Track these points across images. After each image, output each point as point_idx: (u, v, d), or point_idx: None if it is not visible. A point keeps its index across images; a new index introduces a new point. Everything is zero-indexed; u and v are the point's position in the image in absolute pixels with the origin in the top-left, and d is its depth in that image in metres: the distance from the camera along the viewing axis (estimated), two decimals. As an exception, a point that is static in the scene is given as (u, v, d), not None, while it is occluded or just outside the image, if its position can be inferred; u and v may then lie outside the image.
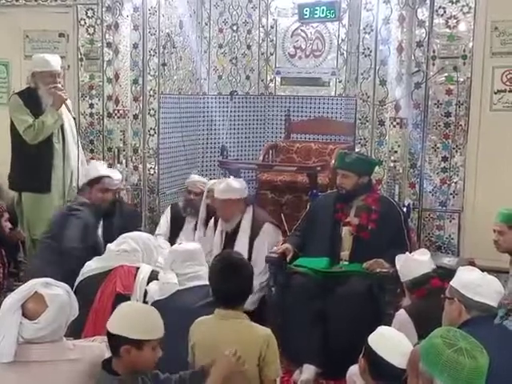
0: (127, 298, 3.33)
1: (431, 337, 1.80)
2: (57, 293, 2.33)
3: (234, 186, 4.36)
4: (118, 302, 3.22)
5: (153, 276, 3.54)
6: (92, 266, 3.67)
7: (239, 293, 2.70)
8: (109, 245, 3.75)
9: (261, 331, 2.69)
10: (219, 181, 4.48)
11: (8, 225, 4.14)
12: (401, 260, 3.42)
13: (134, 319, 2.37)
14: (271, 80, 6.57)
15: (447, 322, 2.53)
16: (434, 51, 4.92)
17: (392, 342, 2.44)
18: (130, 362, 2.33)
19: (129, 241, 3.71)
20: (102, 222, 5.00)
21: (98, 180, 4.16)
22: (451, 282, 2.60)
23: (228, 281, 2.69)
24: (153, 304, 3.14)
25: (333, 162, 5.35)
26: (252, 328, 2.72)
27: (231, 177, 4.77)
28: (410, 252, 3.59)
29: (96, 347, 2.49)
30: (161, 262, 4.81)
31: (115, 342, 2.33)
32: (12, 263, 4.30)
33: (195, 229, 4.82)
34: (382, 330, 2.54)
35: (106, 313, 3.25)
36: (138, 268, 3.56)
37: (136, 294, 3.42)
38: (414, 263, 3.34)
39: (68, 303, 2.36)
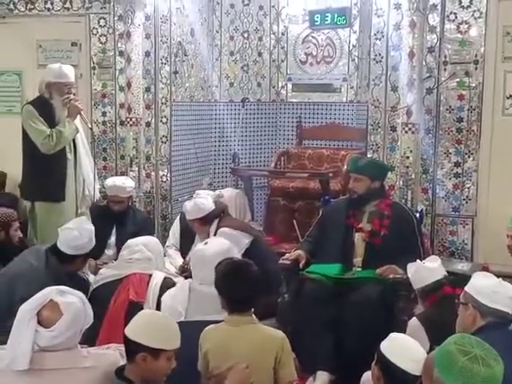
0: (140, 306, 3.34)
1: (445, 344, 1.79)
2: (71, 301, 2.34)
3: (187, 209, 4.50)
4: (131, 309, 3.29)
5: (165, 283, 3.54)
6: (105, 274, 3.68)
7: (245, 296, 2.69)
8: (122, 252, 3.75)
9: (274, 334, 2.70)
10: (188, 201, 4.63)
11: (18, 234, 4.11)
12: (412, 268, 3.41)
13: (154, 328, 2.38)
14: (282, 87, 6.58)
15: (461, 327, 2.52)
16: (445, 56, 4.92)
17: (404, 348, 2.44)
18: (144, 370, 2.34)
19: (142, 249, 3.72)
20: (114, 229, 5.06)
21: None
22: (466, 288, 2.58)
23: (232, 285, 2.70)
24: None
25: (345, 167, 5.36)
26: (265, 331, 2.73)
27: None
28: (424, 258, 3.58)
29: (111, 355, 2.50)
30: (170, 270, 4.86)
31: (132, 348, 2.35)
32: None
33: None
34: (394, 336, 2.53)
35: (120, 320, 3.29)
36: (150, 275, 3.56)
37: (149, 301, 3.43)
38: (426, 271, 3.33)
39: (82, 311, 2.37)
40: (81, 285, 4.63)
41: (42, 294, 2.37)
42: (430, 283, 3.24)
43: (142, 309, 3.30)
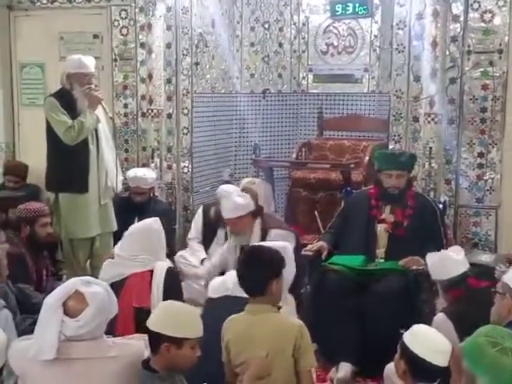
0: (147, 310, 3.17)
1: (475, 335, 1.78)
2: (97, 291, 2.37)
3: (240, 204, 4.13)
4: (139, 316, 3.19)
5: (169, 275, 3.45)
6: (108, 273, 3.54)
7: (256, 278, 2.69)
8: (116, 247, 3.64)
9: (293, 322, 2.70)
10: (225, 199, 4.31)
11: (46, 230, 4.09)
12: (433, 258, 3.34)
13: (175, 317, 2.40)
14: (303, 77, 6.55)
15: (496, 316, 2.52)
16: (469, 46, 4.85)
17: (429, 339, 2.42)
18: (169, 360, 2.36)
19: (138, 239, 3.55)
20: (136, 220, 5.09)
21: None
22: (504, 278, 2.57)
23: (245, 267, 2.74)
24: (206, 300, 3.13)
25: (367, 158, 5.34)
26: (284, 320, 2.74)
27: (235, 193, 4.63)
28: (447, 249, 3.55)
29: (135, 345, 2.52)
30: (187, 256, 4.85)
31: (155, 339, 2.36)
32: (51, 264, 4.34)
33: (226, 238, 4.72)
34: (417, 328, 2.51)
35: (129, 327, 3.22)
36: (151, 271, 3.45)
37: (154, 303, 3.30)
38: (450, 262, 3.28)
39: (107, 301, 2.40)
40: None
41: (67, 285, 2.40)
42: (455, 276, 3.20)
43: (150, 312, 3.19)
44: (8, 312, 2.83)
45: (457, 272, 3.22)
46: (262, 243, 3.42)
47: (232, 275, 3.37)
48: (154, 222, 3.67)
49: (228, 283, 3.31)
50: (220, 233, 4.71)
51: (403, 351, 2.41)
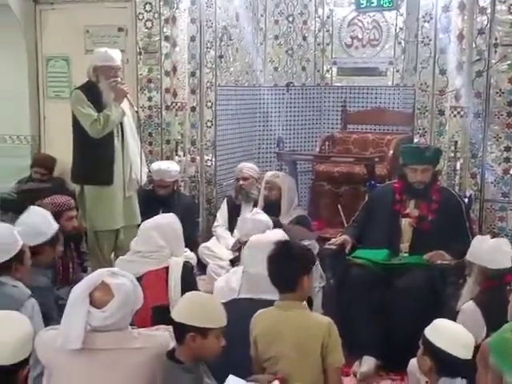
0: (165, 308, 3.15)
1: (502, 331, 1.77)
2: (122, 282, 2.39)
3: (249, 229, 3.85)
4: (156, 315, 3.14)
5: (185, 270, 3.39)
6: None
7: (288, 274, 2.68)
8: (132, 242, 3.58)
9: (322, 320, 2.70)
10: (242, 221, 4.13)
11: (72, 223, 4.09)
12: (484, 244, 3.22)
13: (199, 307, 2.42)
14: (327, 70, 6.53)
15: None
16: (496, 39, 4.77)
17: (452, 333, 2.41)
18: (195, 350, 2.38)
19: (154, 236, 3.46)
20: (160, 213, 5.11)
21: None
22: None
23: (276, 263, 2.72)
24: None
25: (391, 151, 5.31)
26: (312, 317, 2.74)
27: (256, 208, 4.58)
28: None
29: (160, 336, 2.53)
30: (211, 247, 4.86)
31: (180, 330, 2.38)
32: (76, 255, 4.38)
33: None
34: (438, 322, 2.50)
35: (148, 326, 3.07)
36: (167, 267, 3.39)
37: (172, 302, 3.25)
38: (503, 253, 3.17)
39: (133, 292, 2.42)
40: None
41: (94, 276, 2.43)
42: (507, 267, 3.11)
43: (168, 310, 2.97)
44: (35, 301, 2.87)
45: (508, 264, 3.15)
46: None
47: (235, 274, 3.35)
48: (171, 217, 3.61)
49: (232, 283, 3.27)
50: (243, 213, 4.73)
51: (426, 347, 2.40)
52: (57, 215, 3.98)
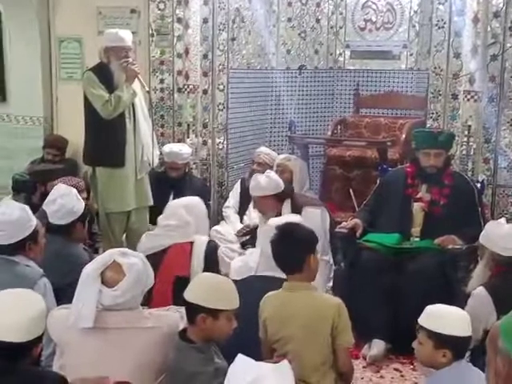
0: (186, 279, 3.18)
1: (512, 314, 1.76)
2: (134, 262, 2.41)
3: (262, 184, 4.20)
4: (177, 285, 3.24)
5: (208, 249, 3.49)
6: (145, 245, 3.60)
7: (293, 255, 2.69)
8: (159, 219, 3.68)
9: (331, 300, 2.71)
10: (254, 178, 4.34)
11: None
12: (498, 229, 3.16)
13: (211, 289, 2.43)
14: (340, 54, 6.48)
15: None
16: (511, 22, 4.73)
17: (444, 315, 2.42)
18: (206, 331, 2.39)
19: (181, 212, 3.60)
20: (172, 195, 5.14)
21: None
22: None
23: (281, 245, 2.74)
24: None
25: (404, 136, 5.29)
26: (322, 298, 2.76)
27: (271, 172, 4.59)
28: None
29: (171, 316, 2.56)
30: (222, 231, 4.88)
31: (192, 310, 2.40)
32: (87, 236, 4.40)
33: None
34: (428, 309, 2.48)
35: (167, 297, 3.26)
36: (192, 242, 3.50)
37: (193, 273, 3.35)
38: None
39: (144, 272, 2.44)
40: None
41: (105, 256, 2.45)
42: None
43: (189, 282, 3.25)
44: (47, 280, 2.89)
45: None
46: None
47: (252, 254, 3.38)
48: (198, 199, 3.81)
49: (249, 263, 3.32)
50: (252, 209, 4.76)
51: (437, 339, 2.38)
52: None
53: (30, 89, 6.03)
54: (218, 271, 3.45)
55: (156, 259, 3.35)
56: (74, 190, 3.57)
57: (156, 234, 3.67)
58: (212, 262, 3.46)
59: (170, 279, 3.34)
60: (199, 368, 2.35)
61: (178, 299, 2.52)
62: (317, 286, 2.87)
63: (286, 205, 4.23)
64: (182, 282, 3.09)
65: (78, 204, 3.48)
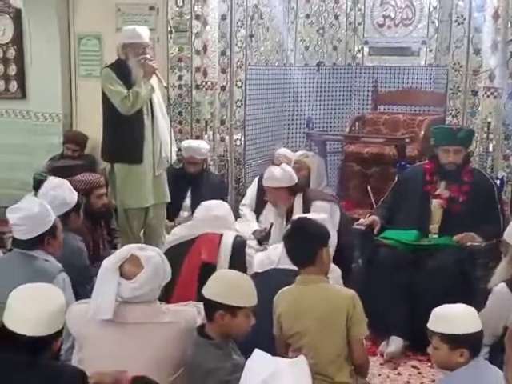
0: (213, 266, 3.37)
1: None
2: (152, 255, 2.43)
3: (276, 176, 4.30)
4: (204, 271, 3.30)
5: (237, 242, 3.56)
6: (178, 234, 3.73)
7: (305, 248, 2.71)
8: (197, 210, 3.78)
9: (345, 292, 2.72)
10: (268, 170, 4.44)
11: (102, 201, 4.12)
12: None
13: (230, 286, 2.44)
14: (359, 50, 6.46)
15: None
16: (532, 18, 4.69)
17: (453, 315, 2.40)
18: (224, 327, 2.41)
19: (215, 209, 3.74)
20: (189, 192, 5.15)
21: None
22: None
23: (293, 239, 2.77)
24: (251, 275, 3.17)
25: (422, 132, 5.25)
26: (336, 290, 2.76)
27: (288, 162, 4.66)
28: (504, 226, 3.46)
29: (188, 311, 2.57)
30: (239, 228, 4.89)
31: (210, 307, 2.41)
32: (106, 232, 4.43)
33: None
34: (435, 313, 2.47)
35: (193, 281, 3.33)
36: (221, 235, 3.57)
37: (221, 261, 3.45)
38: None
39: (162, 265, 2.46)
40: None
41: (123, 250, 2.47)
42: None
43: (215, 269, 3.34)
44: (66, 275, 2.92)
45: None
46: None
47: (275, 249, 3.40)
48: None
49: (272, 256, 3.34)
50: (269, 208, 4.75)
51: (450, 340, 2.37)
52: (87, 193, 4.06)
53: (49, 86, 6.08)
54: (244, 263, 3.52)
55: (185, 246, 3.51)
56: (66, 182, 3.62)
57: (187, 225, 3.79)
58: (239, 254, 3.52)
59: (197, 264, 3.42)
60: (217, 364, 2.37)
61: (204, 284, 2.53)
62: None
63: (298, 198, 4.29)
64: (209, 268, 3.21)
65: (70, 195, 3.54)
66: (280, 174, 4.29)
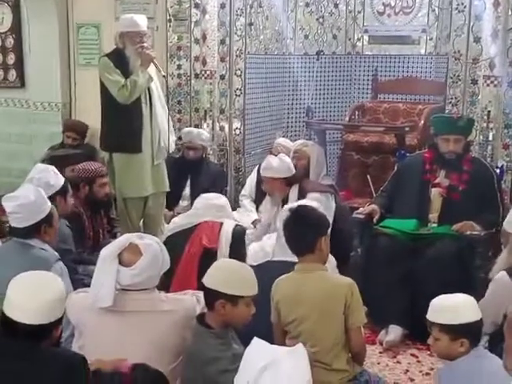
0: (214, 253, 3.40)
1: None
2: (150, 243, 2.44)
3: (273, 166, 4.33)
4: (204, 257, 3.36)
5: (237, 230, 3.59)
6: (178, 223, 3.76)
7: (305, 235, 2.72)
8: (197, 200, 3.81)
9: (343, 280, 2.72)
10: (267, 160, 4.46)
11: (104, 190, 4.13)
12: None
13: (231, 275, 2.45)
14: (358, 39, 6.44)
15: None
16: (533, 5, 4.67)
17: (452, 305, 2.40)
18: (224, 317, 2.41)
19: (215, 198, 3.78)
20: (189, 181, 5.15)
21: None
22: None
23: (293, 226, 2.77)
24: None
25: (422, 121, 5.24)
26: (334, 278, 2.78)
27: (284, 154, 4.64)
28: (504, 215, 3.46)
29: (187, 300, 2.58)
30: (238, 218, 4.90)
31: (211, 296, 2.41)
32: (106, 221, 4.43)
33: None
34: (434, 304, 2.46)
35: (194, 267, 3.37)
36: (221, 223, 3.60)
37: (222, 247, 3.49)
38: None
39: (160, 253, 2.46)
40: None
41: (122, 239, 2.48)
42: None
43: (216, 255, 3.39)
44: (63, 264, 2.92)
45: None
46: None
47: (269, 239, 3.42)
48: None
49: (266, 248, 3.36)
50: (268, 198, 4.74)
51: (450, 330, 2.37)
52: (89, 181, 4.07)
53: (48, 75, 6.06)
54: (244, 251, 3.57)
55: (186, 234, 3.56)
56: (52, 167, 3.62)
57: (188, 215, 3.82)
58: (239, 241, 3.57)
59: (198, 250, 3.45)
60: (218, 353, 2.37)
61: (205, 271, 2.53)
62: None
63: (294, 189, 4.31)
64: (210, 253, 3.26)
65: (55, 178, 3.53)
66: (278, 165, 4.32)
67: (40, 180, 3.44)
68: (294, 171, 4.36)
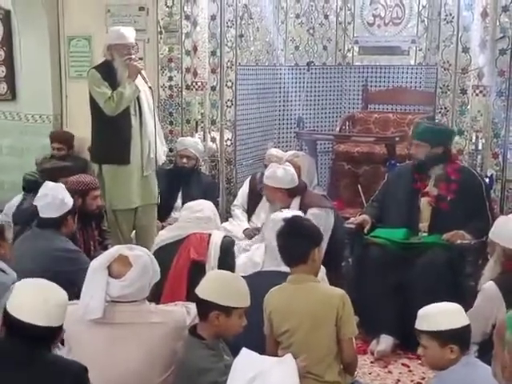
0: (202, 265, 3.38)
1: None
2: (140, 254, 2.44)
3: (278, 176, 4.25)
4: (193, 269, 3.35)
5: (225, 241, 3.56)
6: (165, 235, 3.70)
7: (299, 246, 2.72)
8: (182, 213, 3.79)
9: (335, 291, 2.72)
10: (271, 165, 4.44)
11: (96, 202, 4.09)
12: (509, 223, 3.14)
13: (225, 287, 2.45)
14: (349, 50, 6.47)
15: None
16: (520, 16, 4.71)
17: (438, 312, 2.41)
18: (218, 328, 2.41)
19: (202, 209, 3.71)
20: (180, 192, 5.15)
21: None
22: None
23: (287, 237, 2.77)
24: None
25: (410, 132, 5.27)
26: (326, 289, 2.78)
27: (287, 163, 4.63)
28: (492, 225, 3.46)
29: (177, 311, 2.57)
30: (230, 229, 4.91)
31: (204, 307, 2.42)
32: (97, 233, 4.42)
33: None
34: (421, 313, 2.47)
35: (183, 280, 3.35)
36: (210, 235, 3.58)
37: (210, 260, 3.46)
38: None
39: (150, 264, 2.46)
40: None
41: (111, 250, 2.48)
42: None
43: (204, 267, 3.37)
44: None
45: None
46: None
47: (258, 249, 3.41)
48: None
49: (255, 258, 3.35)
50: (264, 200, 4.75)
51: (438, 336, 2.38)
52: (83, 194, 4.05)
53: (39, 87, 6.07)
54: (233, 262, 3.55)
55: (174, 246, 3.52)
56: (62, 185, 3.65)
57: (177, 226, 3.76)
58: (228, 253, 3.53)
59: (186, 263, 3.43)
60: (209, 365, 2.37)
61: (194, 283, 2.54)
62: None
63: (295, 201, 4.25)
64: (198, 267, 3.24)
65: (68, 196, 3.55)
66: (282, 175, 4.24)
67: (56, 198, 3.47)
68: (297, 183, 4.27)
